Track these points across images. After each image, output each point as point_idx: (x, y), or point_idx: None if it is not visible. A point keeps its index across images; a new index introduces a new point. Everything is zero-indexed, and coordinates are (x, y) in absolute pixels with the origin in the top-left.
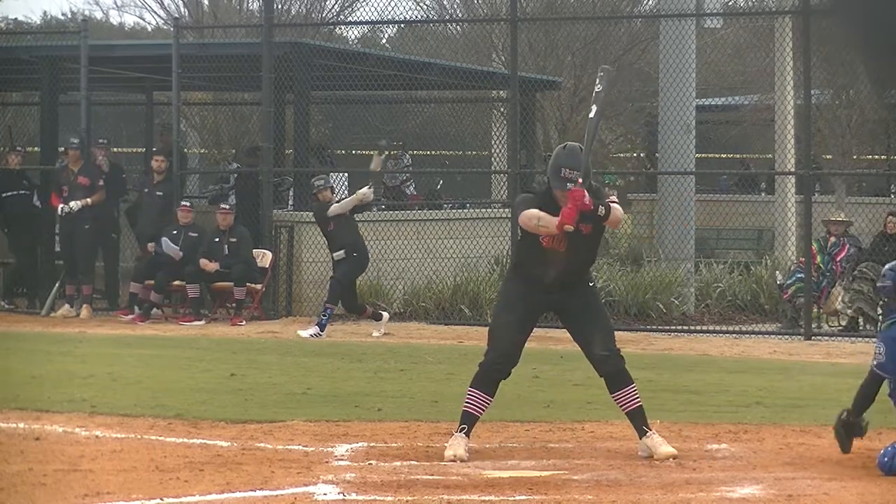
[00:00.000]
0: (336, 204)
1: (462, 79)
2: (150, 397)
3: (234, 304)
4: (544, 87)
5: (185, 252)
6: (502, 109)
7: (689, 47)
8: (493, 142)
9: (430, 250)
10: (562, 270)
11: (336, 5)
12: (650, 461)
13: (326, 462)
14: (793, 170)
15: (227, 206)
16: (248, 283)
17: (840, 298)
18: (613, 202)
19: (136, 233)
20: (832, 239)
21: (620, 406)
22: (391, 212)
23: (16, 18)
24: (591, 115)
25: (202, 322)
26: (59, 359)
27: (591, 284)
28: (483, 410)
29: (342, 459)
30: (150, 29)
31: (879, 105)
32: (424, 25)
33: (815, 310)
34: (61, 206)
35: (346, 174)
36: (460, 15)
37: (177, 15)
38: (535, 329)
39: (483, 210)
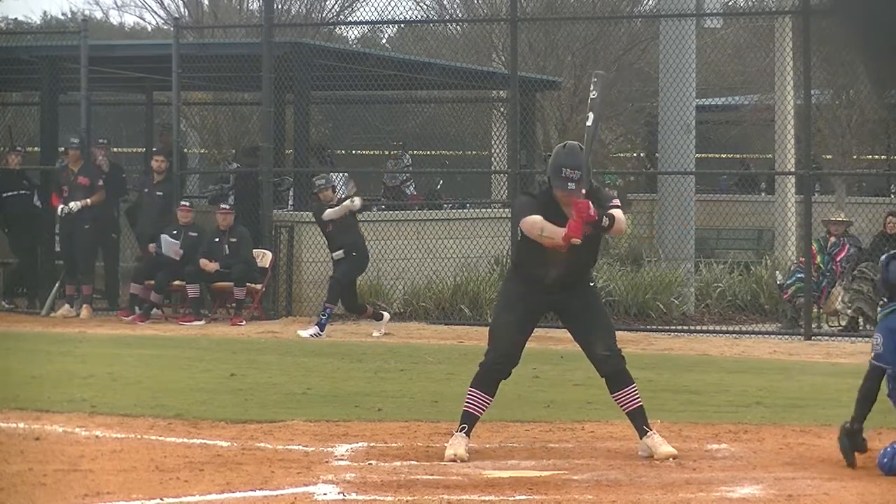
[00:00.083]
0: (330, 210)
1: (462, 79)
2: (150, 397)
3: (234, 304)
4: (544, 87)
5: (185, 252)
6: (502, 109)
7: (689, 47)
8: (493, 142)
9: (430, 250)
10: (563, 271)
11: (336, 5)
12: (650, 461)
13: (326, 462)
14: (793, 170)
15: (227, 206)
16: (248, 283)
17: (840, 298)
18: (616, 206)
19: (136, 233)
20: (832, 239)
21: (621, 406)
22: (391, 212)
23: (16, 18)
24: (589, 122)
25: (202, 322)
26: (59, 359)
27: (591, 284)
28: (483, 410)
29: (342, 459)
30: (150, 29)
31: (879, 105)
32: (424, 25)
33: (815, 310)
34: (61, 206)
35: (345, 174)
36: (460, 15)
37: (177, 15)
38: (535, 329)
39: (483, 210)
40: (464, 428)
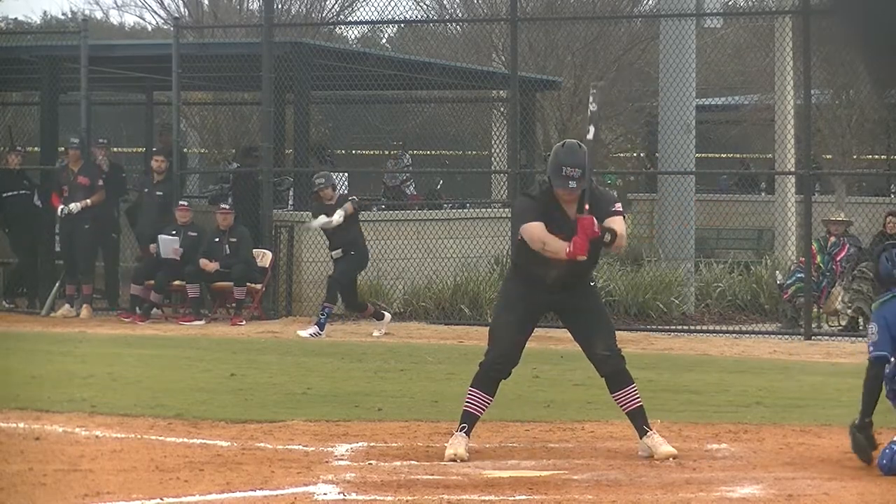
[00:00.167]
0: (322, 219)
1: (462, 79)
2: (150, 397)
3: (234, 304)
4: (544, 87)
5: (185, 252)
6: (502, 109)
7: (689, 47)
8: (493, 142)
9: (430, 250)
10: (563, 271)
11: (336, 5)
12: (650, 461)
13: (326, 462)
14: (793, 170)
15: (227, 206)
16: (248, 283)
17: (840, 298)
18: (618, 211)
19: (136, 233)
20: (832, 239)
21: (621, 406)
22: (391, 212)
23: (16, 18)
24: (590, 136)
25: (202, 322)
26: (59, 359)
27: (591, 284)
28: (483, 410)
29: (342, 459)
30: (150, 29)
31: (879, 105)
32: (424, 25)
33: (815, 310)
34: (61, 207)
35: (346, 174)
36: (460, 15)
37: (177, 15)
38: (535, 329)
39: (483, 210)
40: (464, 428)
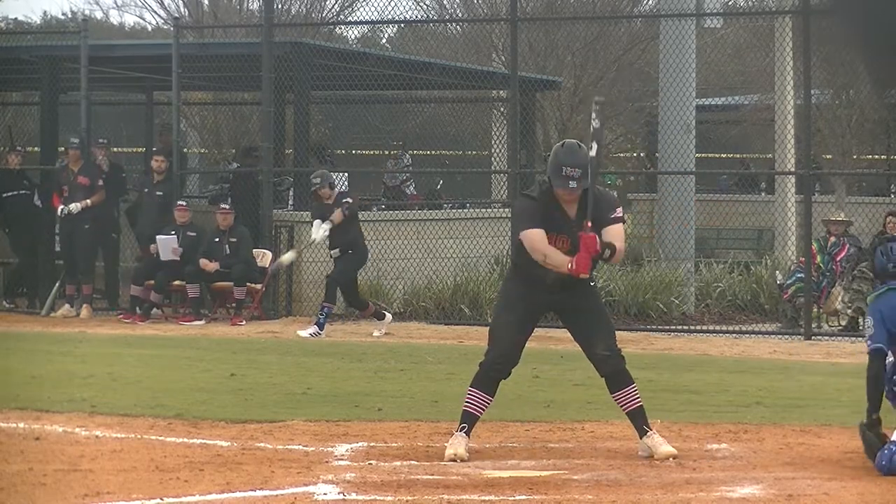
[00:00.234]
0: (313, 235)
1: (462, 79)
2: (150, 397)
3: (234, 304)
4: (544, 87)
5: (184, 251)
6: (502, 109)
7: (689, 47)
8: (493, 142)
9: (430, 250)
10: (563, 271)
11: (336, 5)
12: (650, 461)
13: (326, 462)
14: (793, 170)
15: (227, 206)
16: (248, 283)
17: (840, 298)
18: (618, 218)
19: (136, 233)
20: (832, 239)
21: (621, 406)
22: (391, 212)
23: (16, 18)
24: (592, 153)
25: (202, 322)
26: (59, 359)
27: (591, 284)
28: (483, 410)
29: (342, 459)
30: (150, 29)
31: (879, 105)
32: (424, 25)
33: (815, 310)
34: (61, 207)
35: (346, 174)
36: (460, 15)
37: (177, 15)
38: (535, 329)
39: (483, 210)
40: (464, 428)
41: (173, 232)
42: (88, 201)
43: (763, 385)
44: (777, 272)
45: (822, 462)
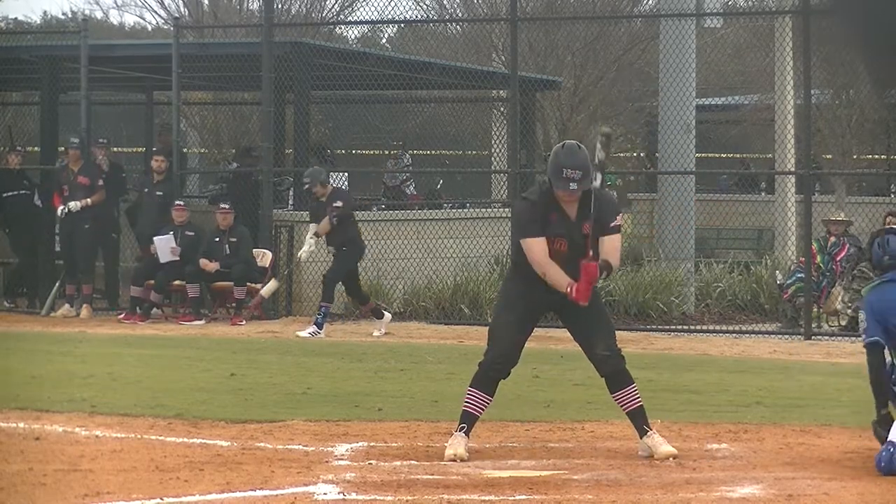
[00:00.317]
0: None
1: (462, 79)
2: (150, 397)
3: (234, 304)
4: (544, 87)
5: (182, 251)
6: (502, 109)
7: (689, 47)
8: (493, 142)
9: (430, 250)
10: (564, 270)
11: (336, 5)
12: (650, 461)
13: (326, 462)
14: (793, 170)
15: (227, 206)
16: (248, 283)
17: (840, 298)
18: (616, 227)
19: (136, 233)
20: (832, 239)
21: (621, 406)
22: (391, 212)
23: (16, 18)
24: (595, 183)
25: (202, 322)
26: (59, 359)
27: None
28: (483, 410)
29: (342, 459)
30: (150, 29)
31: (879, 105)
32: (424, 25)
33: (815, 310)
34: (61, 207)
35: (346, 174)
36: (460, 15)
37: (177, 15)
38: (535, 329)
39: (483, 210)
40: (463, 427)
41: (171, 232)
42: (89, 200)
43: (763, 385)
44: (777, 272)
45: (822, 462)
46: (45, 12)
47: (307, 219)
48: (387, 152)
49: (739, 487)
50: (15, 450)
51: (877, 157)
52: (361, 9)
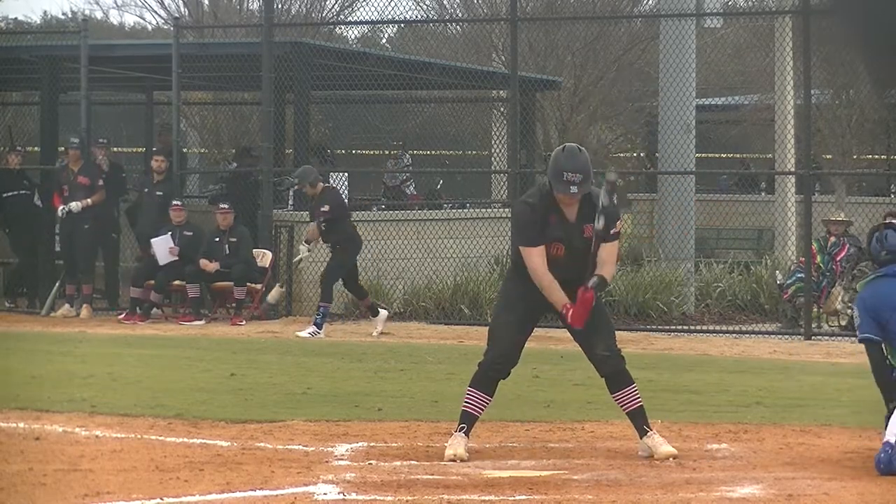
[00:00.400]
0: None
1: (462, 79)
2: (150, 397)
3: (234, 304)
4: (544, 87)
5: (181, 251)
6: (502, 109)
7: (689, 47)
8: (493, 142)
9: (430, 250)
10: (562, 272)
11: (336, 5)
12: (650, 461)
13: (326, 462)
14: (793, 170)
15: (227, 206)
16: (248, 283)
17: (840, 298)
18: (616, 235)
19: (136, 233)
20: (832, 239)
21: (621, 406)
22: (391, 212)
23: (16, 18)
24: (598, 226)
25: (202, 322)
26: (59, 359)
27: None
28: (482, 410)
29: (342, 459)
30: (150, 29)
31: (879, 105)
32: (424, 25)
33: (815, 310)
34: (61, 207)
35: (346, 174)
36: (460, 15)
37: (177, 15)
38: (535, 329)
39: (483, 210)
40: (463, 428)
41: (169, 232)
42: (89, 201)
43: (763, 385)
44: (777, 272)
45: (822, 462)
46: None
47: (307, 219)
48: (387, 152)
49: (739, 487)
50: (15, 450)
51: (877, 157)
52: (361, 9)
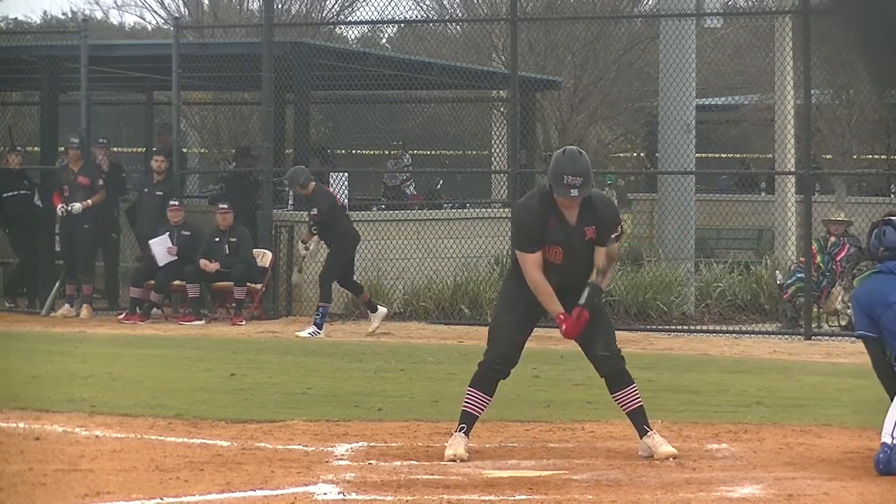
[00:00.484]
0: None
1: (462, 79)
2: (150, 397)
3: (234, 304)
4: (544, 87)
5: (180, 251)
6: (502, 109)
7: (689, 47)
8: (493, 142)
9: (430, 250)
10: (562, 273)
11: (336, 5)
12: (650, 461)
13: (326, 462)
14: (793, 170)
15: (226, 206)
16: (248, 283)
17: (840, 298)
18: (618, 237)
19: (136, 233)
20: (832, 239)
21: (621, 406)
22: (391, 212)
23: (16, 18)
24: (595, 278)
25: (202, 322)
26: (59, 359)
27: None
28: (482, 410)
29: (342, 459)
30: (150, 29)
31: (879, 105)
32: (424, 25)
33: (815, 310)
34: (60, 206)
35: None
36: (460, 15)
37: (177, 15)
38: (535, 329)
39: (483, 210)
40: (463, 428)
41: (166, 233)
42: (89, 201)
43: (763, 385)
44: (777, 272)
45: (822, 462)
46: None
47: (307, 219)
48: (387, 152)
49: (739, 487)
50: (15, 450)
51: (877, 157)
52: (361, 9)
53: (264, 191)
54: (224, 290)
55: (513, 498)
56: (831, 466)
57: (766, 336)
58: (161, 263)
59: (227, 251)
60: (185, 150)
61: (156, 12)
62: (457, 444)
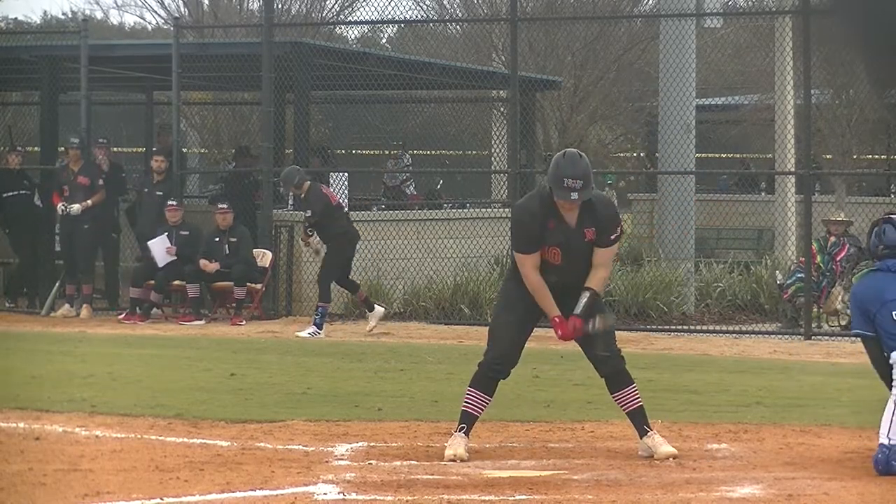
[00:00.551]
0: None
1: (462, 79)
2: (150, 397)
3: (234, 304)
4: (544, 87)
5: (179, 251)
6: (502, 109)
7: (689, 47)
8: (493, 142)
9: (430, 250)
10: (562, 274)
11: (336, 5)
12: (650, 461)
13: (326, 462)
14: (793, 170)
15: (226, 206)
16: (248, 283)
17: (840, 298)
18: (616, 238)
19: (136, 233)
20: (832, 239)
21: (621, 406)
22: (391, 212)
23: (16, 18)
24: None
25: (202, 322)
26: (59, 359)
27: None
28: (482, 410)
29: (342, 459)
30: (150, 29)
31: (879, 105)
32: (424, 25)
33: (815, 310)
34: (61, 205)
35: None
36: (460, 15)
37: (177, 15)
38: (535, 329)
39: (483, 210)
40: (463, 428)
41: (165, 233)
42: (89, 201)
43: (763, 385)
44: (777, 272)
45: (822, 462)
46: (45, 12)
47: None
48: (387, 152)
49: (739, 487)
50: (15, 450)
51: (877, 157)
52: (361, 9)
53: (264, 191)
54: (224, 290)
55: (513, 498)
56: (831, 466)
57: (766, 336)
58: (160, 264)
59: (227, 251)
60: (184, 150)
61: (156, 12)
62: (457, 444)
